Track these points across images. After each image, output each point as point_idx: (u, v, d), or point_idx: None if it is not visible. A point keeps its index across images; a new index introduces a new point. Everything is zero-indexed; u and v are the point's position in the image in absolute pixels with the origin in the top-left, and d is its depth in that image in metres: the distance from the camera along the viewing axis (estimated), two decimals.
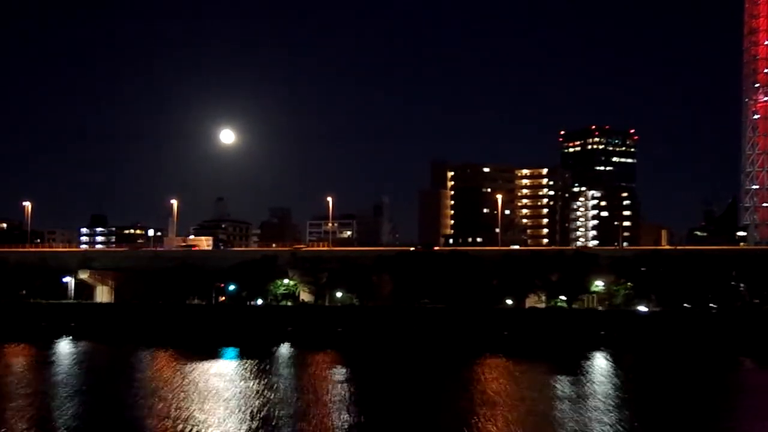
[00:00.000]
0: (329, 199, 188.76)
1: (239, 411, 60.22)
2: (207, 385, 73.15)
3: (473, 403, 64.66)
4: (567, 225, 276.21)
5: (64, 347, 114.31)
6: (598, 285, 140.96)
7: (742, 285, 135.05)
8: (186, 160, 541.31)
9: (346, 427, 55.06)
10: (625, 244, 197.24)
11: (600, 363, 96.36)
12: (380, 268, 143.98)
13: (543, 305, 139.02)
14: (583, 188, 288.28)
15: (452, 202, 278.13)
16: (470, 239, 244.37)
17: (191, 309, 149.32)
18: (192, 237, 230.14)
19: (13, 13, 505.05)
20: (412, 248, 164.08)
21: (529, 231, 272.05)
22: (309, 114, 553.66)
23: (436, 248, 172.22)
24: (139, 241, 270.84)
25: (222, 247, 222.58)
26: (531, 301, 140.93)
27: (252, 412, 60.02)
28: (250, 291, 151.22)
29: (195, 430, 53.32)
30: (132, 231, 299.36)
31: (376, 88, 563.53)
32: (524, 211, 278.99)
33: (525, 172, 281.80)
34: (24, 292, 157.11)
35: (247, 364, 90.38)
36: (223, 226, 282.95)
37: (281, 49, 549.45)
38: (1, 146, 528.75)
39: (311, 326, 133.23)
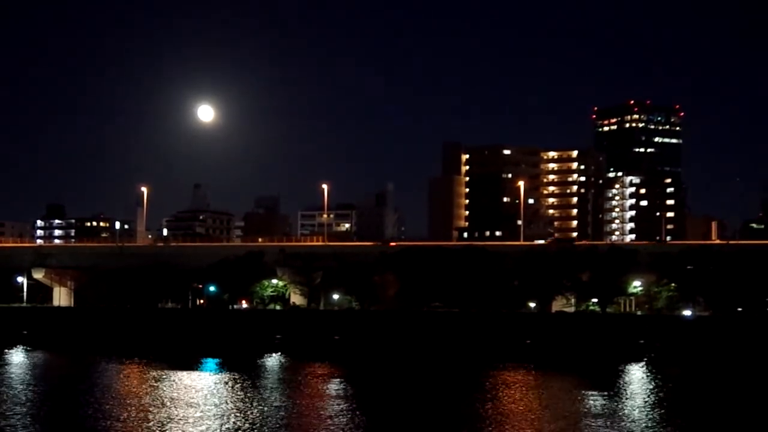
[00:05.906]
0: (324, 186, 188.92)
1: None
2: (183, 402, 73.32)
3: (488, 421, 64.79)
4: (600, 216, 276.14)
5: (16, 358, 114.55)
6: (637, 286, 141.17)
7: None
8: (158, 142, 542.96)
9: None
10: (668, 238, 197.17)
11: (638, 376, 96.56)
12: (383, 266, 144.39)
13: (572, 309, 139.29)
14: (620, 173, 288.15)
15: (467, 190, 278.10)
16: (488, 233, 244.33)
17: (164, 314, 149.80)
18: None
19: None
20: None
21: (556, 223, 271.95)
22: (301, 90, 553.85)
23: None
24: (103, 234, 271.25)
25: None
26: (558, 305, 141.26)
27: None
28: (233, 293, 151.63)
29: None
30: (94, 223, 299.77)
31: (378, 60, 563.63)
32: (551, 200, 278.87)
33: (552, 154, 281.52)
34: None
35: (229, 378, 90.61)
36: (201, 217, 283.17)
37: (270, 19, 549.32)
38: None
39: (304, 334, 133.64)
